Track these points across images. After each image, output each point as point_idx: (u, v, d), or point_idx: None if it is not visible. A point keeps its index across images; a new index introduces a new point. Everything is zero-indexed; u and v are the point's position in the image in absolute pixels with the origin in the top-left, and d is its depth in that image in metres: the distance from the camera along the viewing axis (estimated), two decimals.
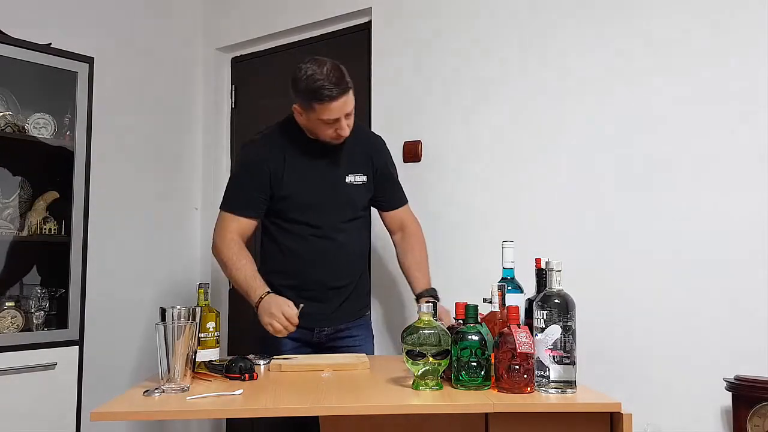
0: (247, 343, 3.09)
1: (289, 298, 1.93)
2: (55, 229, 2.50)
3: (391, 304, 2.56)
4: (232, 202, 2.06)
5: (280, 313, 1.84)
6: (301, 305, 1.85)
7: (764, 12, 1.89)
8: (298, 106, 1.99)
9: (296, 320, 1.85)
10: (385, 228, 2.24)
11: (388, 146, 2.24)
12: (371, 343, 2.22)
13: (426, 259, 2.19)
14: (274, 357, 1.87)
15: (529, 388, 1.45)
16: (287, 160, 2.05)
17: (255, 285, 1.94)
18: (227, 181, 2.14)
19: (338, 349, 2.10)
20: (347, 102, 1.93)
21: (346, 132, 1.98)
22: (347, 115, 1.96)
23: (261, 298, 1.91)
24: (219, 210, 2.09)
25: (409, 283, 2.16)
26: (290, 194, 2.04)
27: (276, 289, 1.99)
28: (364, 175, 2.11)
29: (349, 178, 2.09)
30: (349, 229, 2.10)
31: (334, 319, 2.11)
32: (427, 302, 1.65)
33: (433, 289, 2.10)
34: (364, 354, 1.97)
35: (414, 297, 2.13)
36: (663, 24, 2.05)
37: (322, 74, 1.88)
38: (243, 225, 2.05)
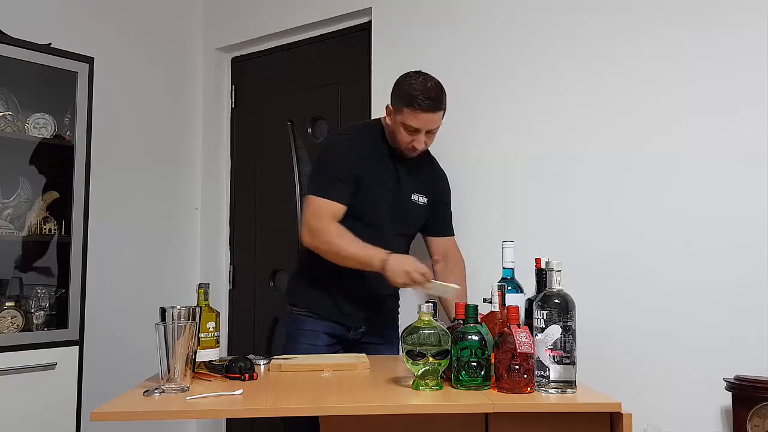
0: (247, 343, 3.11)
1: (335, 300, 2.10)
2: (55, 229, 2.50)
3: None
4: (325, 188, 2.04)
5: (414, 269, 1.90)
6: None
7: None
8: (391, 106, 2.07)
9: (425, 269, 1.92)
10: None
11: None
12: (397, 344, 2.24)
13: (465, 291, 2.19)
14: (275, 357, 1.87)
15: (529, 388, 1.45)
16: (368, 163, 2.10)
17: (371, 252, 1.96)
18: (313, 170, 2.17)
19: (367, 345, 2.17)
20: (433, 119, 2.02)
21: (421, 146, 2.05)
22: (429, 133, 2.05)
23: (384, 260, 1.93)
24: (308, 197, 2.07)
25: (447, 309, 2.15)
26: (362, 197, 2.08)
27: (326, 288, 2.11)
28: (426, 197, 2.19)
29: (414, 197, 2.17)
30: (399, 246, 2.15)
31: (372, 321, 2.19)
32: (428, 302, 1.64)
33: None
34: (364, 354, 1.97)
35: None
36: (663, 27, 2.05)
37: (423, 86, 1.99)
38: (335, 210, 2.03)
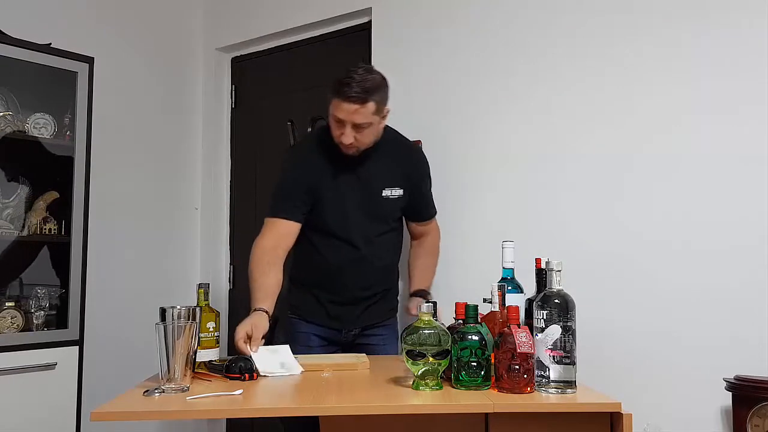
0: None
1: (319, 304, 2.11)
2: (55, 229, 2.50)
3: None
4: (277, 206, 2.06)
5: (240, 332, 1.76)
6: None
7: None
8: (328, 97, 2.00)
9: (249, 349, 1.74)
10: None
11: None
12: (395, 345, 2.23)
13: (432, 268, 2.23)
14: None
15: (529, 388, 1.45)
16: (327, 168, 2.06)
17: (255, 297, 1.92)
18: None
19: (363, 347, 2.14)
20: (359, 112, 1.90)
21: (348, 140, 1.95)
22: (357, 127, 1.94)
23: (255, 309, 1.88)
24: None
25: (409, 281, 2.21)
26: (325, 206, 2.07)
27: (310, 293, 2.13)
28: (400, 188, 2.13)
29: (386, 192, 2.11)
30: (380, 242, 2.13)
31: (362, 320, 2.17)
32: (428, 302, 1.64)
33: (427, 291, 2.15)
34: (364, 354, 1.97)
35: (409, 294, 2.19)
36: (662, 26, 2.05)
37: (357, 76, 1.89)
38: (286, 231, 2.03)
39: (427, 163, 2.28)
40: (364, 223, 2.10)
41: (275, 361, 1.72)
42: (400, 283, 2.40)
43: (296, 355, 1.93)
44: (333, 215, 2.08)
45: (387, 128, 2.12)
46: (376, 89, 1.92)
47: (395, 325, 2.29)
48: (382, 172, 2.11)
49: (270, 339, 2.46)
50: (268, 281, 1.95)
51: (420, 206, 2.23)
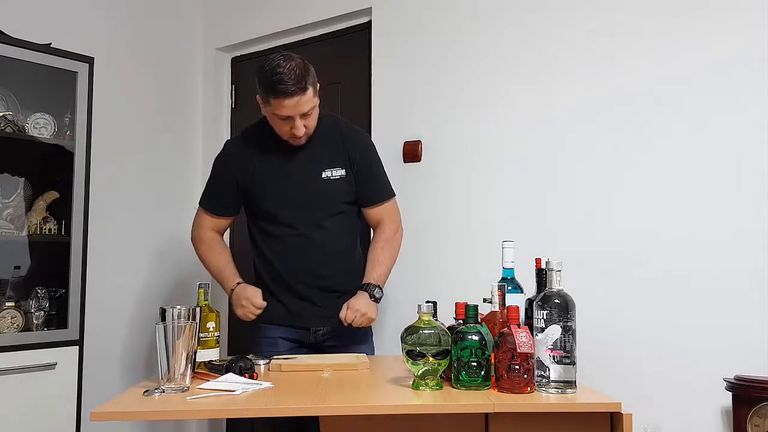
0: (248, 343, 3.10)
1: (278, 302, 2.07)
2: (55, 229, 2.50)
3: (388, 304, 2.56)
4: (204, 199, 2.19)
5: (249, 303, 1.99)
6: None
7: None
8: (260, 99, 1.97)
9: (260, 304, 2.00)
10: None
11: (376, 144, 2.21)
12: (370, 343, 2.20)
13: (384, 259, 2.09)
14: (275, 357, 1.87)
15: (529, 388, 1.45)
16: (258, 160, 2.06)
17: (227, 275, 2.10)
18: None
19: (335, 348, 2.08)
20: (303, 102, 1.89)
21: (300, 132, 1.95)
22: (304, 116, 1.93)
23: (232, 289, 2.06)
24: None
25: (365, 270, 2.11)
26: (262, 194, 2.06)
27: (269, 289, 2.07)
28: (342, 168, 2.07)
29: (326, 173, 2.05)
30: (330, 227, 2.07)
31: (329, 320, 2.06)
32: (428, 302, 1.64)
33: (372, 286, 2.03)
34: (365, 354, 1.97)
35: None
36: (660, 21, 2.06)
37: (284, 69, 1.85)
38: (216, 223, 2.16)
39: (372, 144, 2.19)
40: (308, 208, 2.05)
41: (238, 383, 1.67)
42: (398, 288, 2.39)
43: (296, 355, 1.94)
44: (274, 202, 2.06)
45: (326, 114, 2.11)
46: (306, 73, 1.90)
47: (368, 328, 2.16)
48: (321, 154, 2.06)
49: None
50: (224, 259, 2.13)
51: (366, 188, 2.11)
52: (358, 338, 2.11)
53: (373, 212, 2.14)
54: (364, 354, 1.96)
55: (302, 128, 1.95)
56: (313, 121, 1.99)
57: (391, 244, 2.14)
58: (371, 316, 2.00)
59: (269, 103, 1.92)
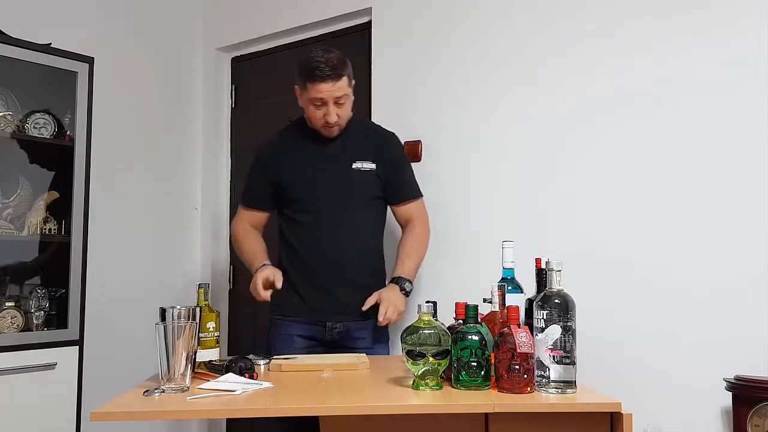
0: (247, 343, 3.11)
1: (297, 294, 2.11)
2: (55, 229, 2.50)
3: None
4: (243, 196, 2.30)
5: (260, 278, 2.01)
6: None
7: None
8: (298, 87, 2.08)
9: (269, 277, 2.00)
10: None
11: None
12: (386, 346, 2.20)
13: (416, 252, 2.16)
14: (274, 357, 1.87)
15: (529, 388, 1.45)
16: (291, 150, 2.15)
17: (255, 258, 2.14)
18: None
19: (349, 349, 2.08)
20: (337, 87, 2.01)
21: (333, 118, 2.04)
22: (337, 102, 2.03)
23: (256, 269, 2.09)
24: None
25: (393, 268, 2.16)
26: (291, 180, 2.13)
27: (289, 279, 2.10)
28: (373, 163, 2.14)
29: (357, 165, 2.13)
30: (357, 219, 2.12)
31: (346, 314, 2.09)
32: (428, 302, 1.64)
33: (402, 279, 2.08)
34: (365, 354, 1.97)
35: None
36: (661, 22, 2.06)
37: (322, 58, 2.00)
38: (253, 217, 2.25)
39: (402, 147, 2.29)
40: (337, 197, 2.11)
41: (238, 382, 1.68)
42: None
43: (296, 355, 1.94)
44: (302, 189, 2.13)
45: (358, 115, 2.22)
46: (343, 63, 2.03)
47: (386, 329, 2.18)
48: (352, 147, 2.14)
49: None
50: (258, 246, 2.19)
51: (395, 185, 2.19)
52: (370, 341, 2.12)
53: (403, 209, 2.21)
54: (364, 354, 1.96)
55: (335, 115, 2.04)
56: (345, 112, 2.08)
57: (422, 241, 2.21)
58: (401, 309, 2.04)
59: (305, 89, 2.03)
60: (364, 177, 2.13)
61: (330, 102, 2.02)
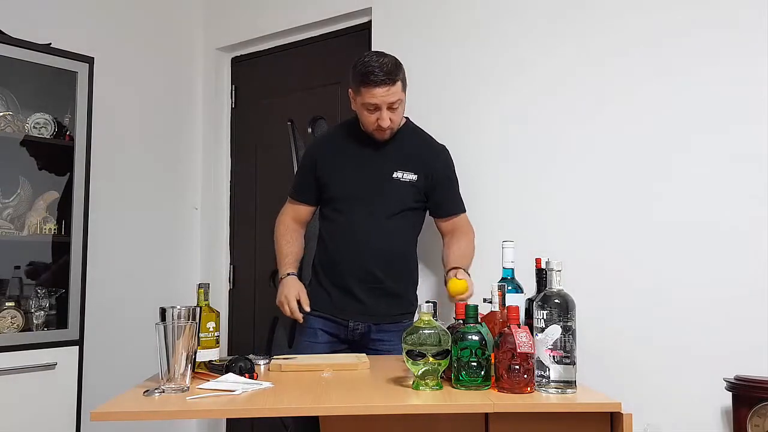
0: (247, 343, 3.11)
1: (324, 291, 2.14)
2: (55, 229, 2.50)
3: None
4: (291, 190, 2.31)
5: (294, 299, 2.05)
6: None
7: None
8: (351, 91, 2.09)
9: (297, 310, 2.05)
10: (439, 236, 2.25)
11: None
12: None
13: (464, 253, 2.14)
14: (275, 357, 1.87)
15: (529, 388, 1.45)
16: (337, 153, 2.18)
17: (286, 262, 2.19)
18: None
19: (370, 350, 2.08)
20: (391, 92, 2.01)
21: (386, 123, 2.04)
22: (391, 107, 2.03)
23: (281, 278, 2.14)
24: None
25: (445, 264, 2.13)
26: (330, 183, 2.16)
27: (318, 276, 2.18)
28: (414, 174, 2.14)
29: (397, 174, 2.13)
30: (389, 226, 2.12)
31: (370, 316, 2.11)
32: (427, 302, 1.65)
33: (463, 269, 2.03)
34: (365, 354, 1.97)
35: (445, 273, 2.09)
36: (664, 25, 2.06)
37: (377, 62, 2.01)
38: (297, 209, 2.27)
39: (452, 161, 2.25)
40: (372, 203, 2.12)
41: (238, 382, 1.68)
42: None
43: (296, 355, 1.94)
44: (340, 188, 2.15)
45: (409, 121, 2.24)
46: (397, 68, 2.05)
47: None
48: (396, 156, 2.15)
49: (270, 338, 2.46)
50: (291, 248, 2.22)
51: (443, 198, 2.19)
52: (391, 344, 2.09)
53: (449, 223, 2.22)
54: (364, 354, 1.96)
55: (388, 120, 2.04)
56: (398, 117, 2.10)
57: (473, 247, 2.22)
58: (468, 294, 1.94)
59: (359, 93, 2.03)
60: (402, 187, 2.13)
61: (384, 107, 2.02)
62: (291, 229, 2.25)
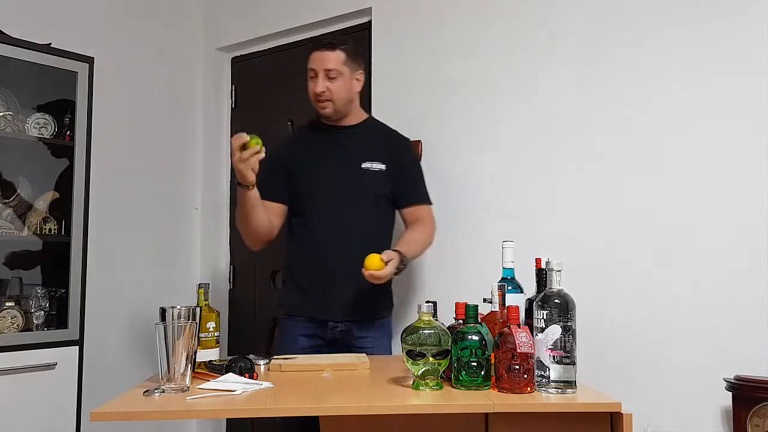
0: (247, 343, 3.11)
1: (301, 291, 2.11)
2: (55, 229, 2.50)
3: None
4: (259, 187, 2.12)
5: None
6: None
7: None
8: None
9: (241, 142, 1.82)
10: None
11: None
12: (387, 346, 2.19)
13: (415, 242, 2.10)
14: (274, 357, 1.87)
15: (529, 388, 1.45)
16: (301, 148, 2.19)
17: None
18: None
19: (351, 348, 2.08)
20: (330, 58, 2.06)
21: (319, 87, 2.06)
22: (328, 75, 2.06)
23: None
24: None
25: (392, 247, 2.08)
26: (298, 174, 2.14)
27: (292, 280, 2.15)
28: (382, 164, 2.14)
29: (366, 165, 2.13)
30: (361, 219, 2.12)
31: (348, 314, 2.09)
32: (427, 302, 1.64)
33: (403, 255, 1.95)
34: (365, 354, 1.97)
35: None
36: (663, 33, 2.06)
37: (332, 36, 2.13)
38: (267, 206, 2.10)
39: (416, 154, 2.29)
40: (343, 196, 2.11)
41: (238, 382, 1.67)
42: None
43: (296, 355, 1.94)
44: (309, 183, 2.14)
45: (376, 120, 2.28)
46: (345, 43, 2.10)
47: (388, 327, 2.21)
48: (364, 147, 2.16)
49: (270, 338, 2.47)
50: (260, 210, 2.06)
51: (404, 187, 2.18)
52: (373, 341, 2.10)
53: (411, 211, 2.19)
54: (364, 354, 1.96)
55: (323, 86, 2.06)
56: (338, 92, 2.10)
57: (426, 237, 2.17)
58: (380, 274, 1.88)
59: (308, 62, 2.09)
60: (373, 176, 2.13)
61: (320, 72, 2.06)
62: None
